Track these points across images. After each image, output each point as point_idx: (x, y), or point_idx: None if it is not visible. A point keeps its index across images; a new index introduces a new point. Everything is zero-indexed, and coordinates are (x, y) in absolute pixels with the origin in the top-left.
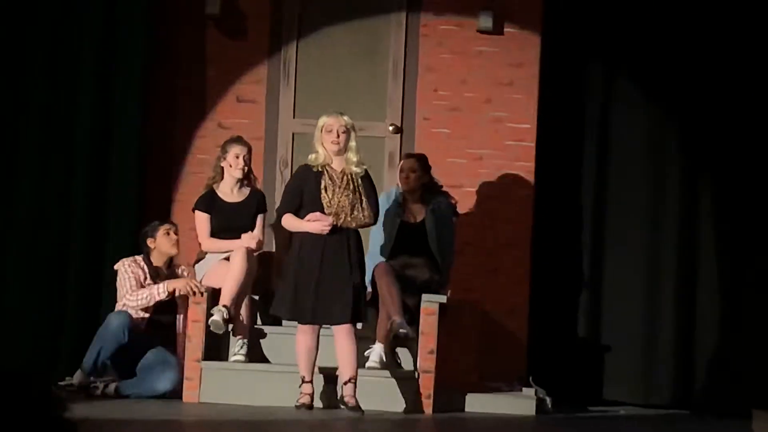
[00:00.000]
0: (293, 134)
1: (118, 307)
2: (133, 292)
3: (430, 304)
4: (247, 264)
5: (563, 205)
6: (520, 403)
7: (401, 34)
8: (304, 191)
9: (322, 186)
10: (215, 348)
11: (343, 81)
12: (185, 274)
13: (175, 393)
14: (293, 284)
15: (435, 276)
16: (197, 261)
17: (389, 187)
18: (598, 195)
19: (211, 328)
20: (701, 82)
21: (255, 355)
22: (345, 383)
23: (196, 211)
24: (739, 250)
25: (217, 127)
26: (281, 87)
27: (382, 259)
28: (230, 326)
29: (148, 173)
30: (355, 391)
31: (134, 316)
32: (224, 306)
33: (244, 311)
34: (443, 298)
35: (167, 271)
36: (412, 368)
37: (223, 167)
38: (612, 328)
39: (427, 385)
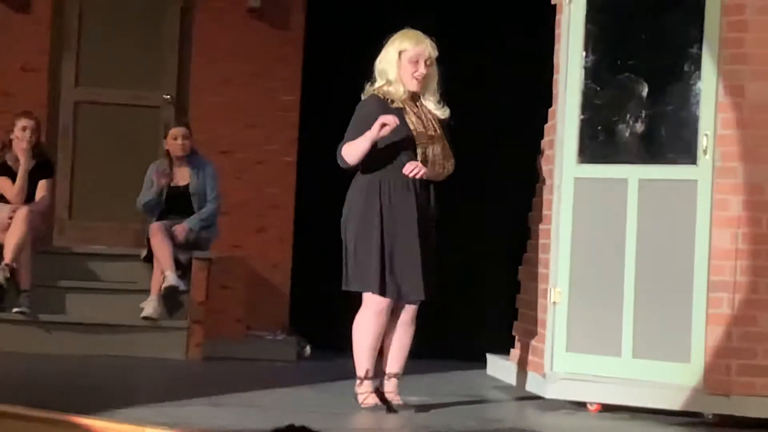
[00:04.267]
0: (75, 102)
1: None
2: None
3: (200, 260)
4: (26, 225)
5: (324, 170)
6: (282, 350)
7: (177, 10)
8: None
9: (411, 125)
10: None
11: (123, 52)
12: None
13: None
14: (388, 251)
15: (203, 233)
16: None
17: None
18: None
19: None
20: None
21: (36, 306)
22: (392, 376)
23: None
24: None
25: (3, 95)
26: (63, 57)
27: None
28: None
29: None
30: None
31: None
32: (6, 264)
33: (25, 266)
34: (212, 254)
35: None
36: (184, 319)
37: (12, 139)
38: None
39: (198, 333)
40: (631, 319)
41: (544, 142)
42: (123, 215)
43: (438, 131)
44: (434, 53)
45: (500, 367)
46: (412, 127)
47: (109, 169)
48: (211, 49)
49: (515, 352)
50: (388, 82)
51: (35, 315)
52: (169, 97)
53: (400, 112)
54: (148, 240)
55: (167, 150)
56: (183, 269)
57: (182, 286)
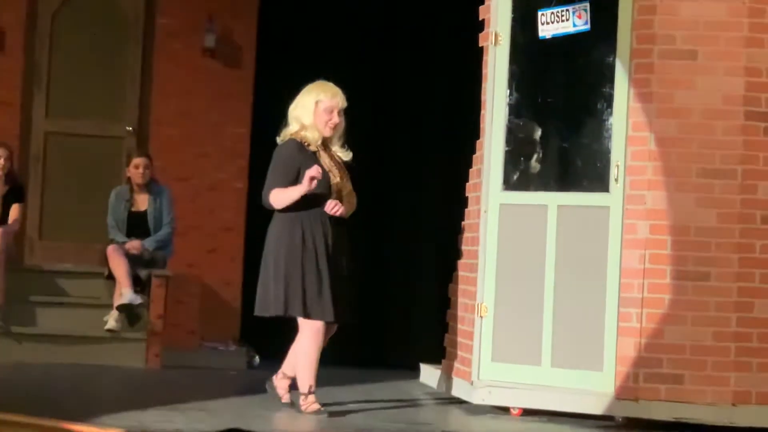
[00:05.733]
0: (45, 133)
1: None
2: None
3: (158, 277)
4: (1, 243)
5: None
6: (233, 360)
7: (138, 49)
8: (302, 170)
9: (326, 166)
10: None
11: (89, 87)
12: None
13: None
14: (308, 279)
15: (159, 253)
16: None
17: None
18: None
19: None
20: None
21: (8, 320)
22: (308, 393)
23: None
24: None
25: None
26: (34, 91)
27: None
28: None
29: None
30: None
31: None
32: None
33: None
34: (169, 272)
35: None
36: (143, 331)
37: None
38: None
39: (156, 344)
40: (550, 332)
41: (472, 171)
42: (88, 236)
43: (345, 172)
44: (344, 105)
45: (432, 376)
46: (327, 168)
47: (76, 194)
48: (168, 85)
49: (446, 362)
50: (303, 127)
51: (8, 327)
52: (131, 128)
53: (315, 156)
54: (107, 260)
55: (129, 177)
56: (142, 285)
57: (137, 301)
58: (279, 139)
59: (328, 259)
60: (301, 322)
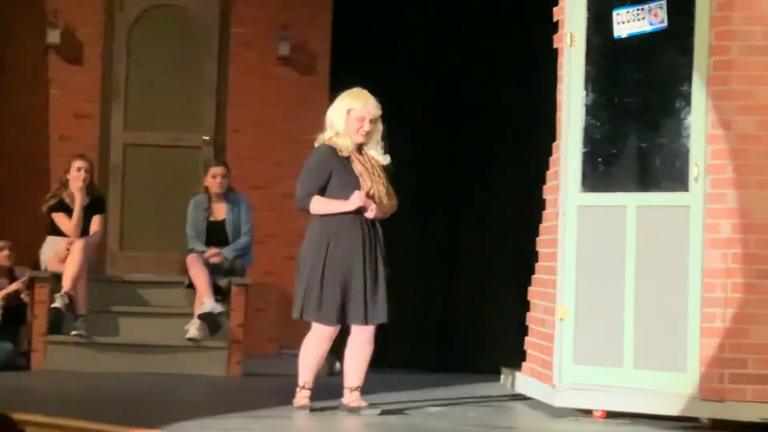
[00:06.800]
0: (124, 144)
1: None
2: None
3: (237, 285)
4: (83, 255)
5: None
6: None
7: (214, 60)
8: (333, 174)
9: (357, 172)
10: (57, 324)
11: (166, 98)
12: (20, 275)
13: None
14: (328, 283)
15: (238, 262)
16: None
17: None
18: None
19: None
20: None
21: (91, 329)
22: (353, 390)
23: (53, 213)
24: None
25: (59, 139)
26: (113, 104)
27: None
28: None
29: None
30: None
31: None
32: (65, 292)
33: (81, 293)
34: (248, 280)
35: (7, 276)
36: (225, 339)
37: (68, 178)
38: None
39: (237, 352)
40: (631, 333)
41: (549, 173)
42: (167, 246)
43: (381, 175)
44: (378, 113)
45: (513, 379)
46: (357, 173)
47: (155, 205)
48: (244, 94)
49: (527, 365)
50: (337, 134)
51: (91, 337)
52: (207, 138)
53: (347, 161)
54: (187, 269)
55: (206, 187)
56: (222, 294)
57: (217, 310)
58: (316, 144)
59: (354, 262)
60: (313, 324)
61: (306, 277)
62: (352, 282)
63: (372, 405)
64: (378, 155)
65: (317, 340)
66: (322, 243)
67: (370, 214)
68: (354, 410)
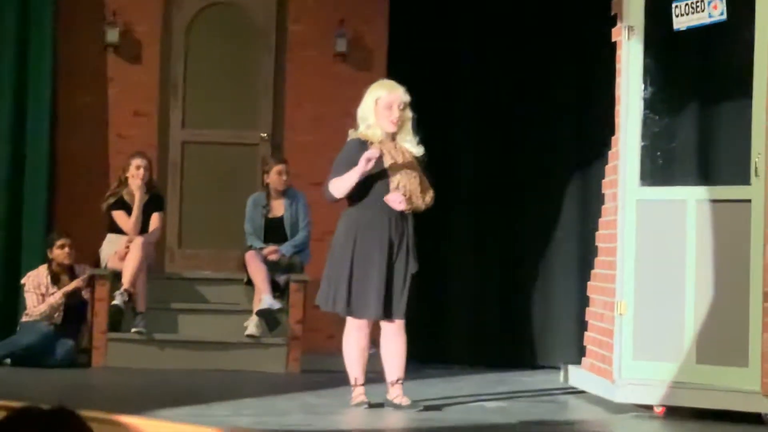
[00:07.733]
0: (182, 142)
1: (26, 317)
2: (35, 307)
3: (296, 282)
4: (142, 252)
5: None
6: (372, 363)
7: (271, 57)
8: None
9: (386, 165)
10: (117, 321)
11: (223, 96)
12: (80, 272)
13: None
14: (355, 276)
15: (296, 258)
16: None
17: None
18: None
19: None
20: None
21: (151, 326)
22: (394, 383)
23: (113, 211)
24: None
25: (118, 138)
26: (171, 102)
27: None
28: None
29: (56, 183)
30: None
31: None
32: (125, 290)
33: (141, 291)
34: (307, 277)
35: (68, 273)
36: (284, 335)
37: (128, 176)
38: (445, 301)
39: (296, 349)
40: (692, 328)
41: (608, 168)
42: (226, 243)
43: (414, 168)
44: (406, 98)
45: (573, 375)
46: (388, 164)
47: (213, 202)
48: (301, 91)
49: (586, 360)
50: (368, 127)
51: (150, 334)
52: (265, 135)
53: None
54: (245, 266)
55: (266, 183)
56: (280, 290)
57: (275, 306)
58: (348, 138)
59: (387, 256)
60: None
61: (335, 270)
62: (376, 276)
63: (414, 402)
64: (412, 146)
65: (350, 334)
66: (349, 236)
67: (399, 206)
68: (396, 407)
